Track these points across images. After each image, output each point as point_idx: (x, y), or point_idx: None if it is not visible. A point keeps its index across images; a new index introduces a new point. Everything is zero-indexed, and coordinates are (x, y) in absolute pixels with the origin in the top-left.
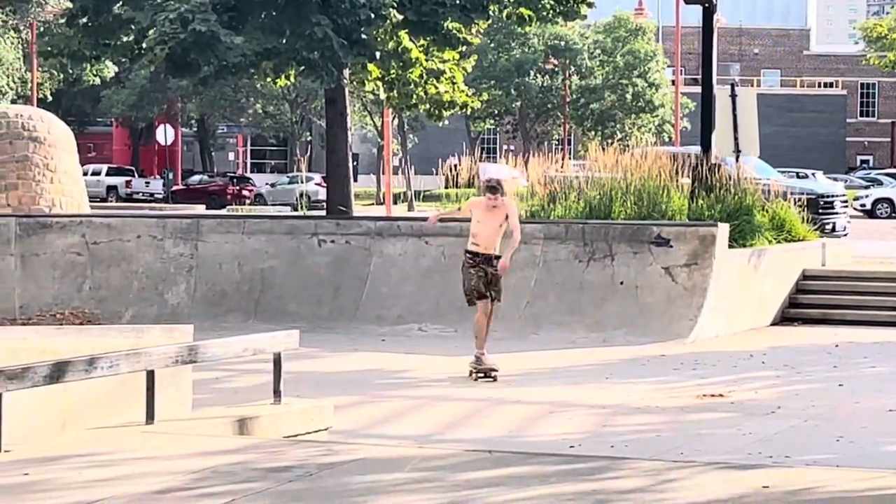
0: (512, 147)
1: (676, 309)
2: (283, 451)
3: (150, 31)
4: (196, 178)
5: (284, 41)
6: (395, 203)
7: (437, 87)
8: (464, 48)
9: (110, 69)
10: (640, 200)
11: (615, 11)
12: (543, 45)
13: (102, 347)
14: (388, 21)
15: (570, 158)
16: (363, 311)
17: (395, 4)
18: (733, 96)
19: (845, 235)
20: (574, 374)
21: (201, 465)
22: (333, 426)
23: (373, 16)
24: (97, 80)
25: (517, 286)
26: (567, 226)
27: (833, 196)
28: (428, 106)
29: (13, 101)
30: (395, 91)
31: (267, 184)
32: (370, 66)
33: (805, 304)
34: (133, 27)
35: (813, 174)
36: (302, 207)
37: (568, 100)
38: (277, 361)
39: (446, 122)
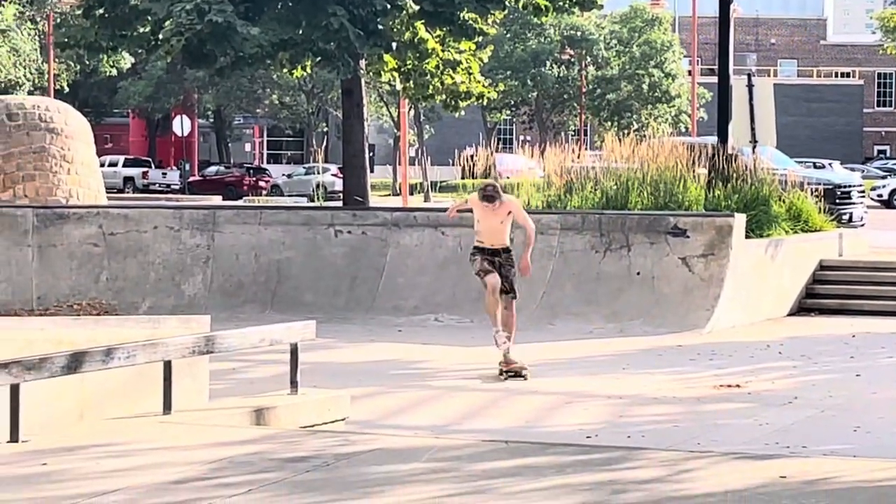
0: (528, 138)
1: (693, 299)
2: (300, 442)
3: (167, 22)
4: (213, 169)
5: (301, 32)
6: (411, 194)
7: (453, 78)
8: (480, 39)
9: (127, 60)
10: (657, 191)
11: (631, 2)
12: (559, 35)
13: (119, 338)
14: (405, 11)
15: (586, 149)
16: (379, 301)
17: None
18: (750, 86)
19: (862, 225)
20: (590, 364)
21: (218, 455)
22: (350, 416)
23: (389, 6)
24: (114, 72)
25: (534, 276)
26: (584, 216)
27: (850, 186)
28: (444, 96)
29: (30, 93)
30: (411, 82)
31: (283, 175)
32: (386, 57)
33: (822, 295)
34: (149, 18)
35: (830, 164)
36: (318, 198)
37: (584, 90)
38: (294, 352)
39: (462, 112)
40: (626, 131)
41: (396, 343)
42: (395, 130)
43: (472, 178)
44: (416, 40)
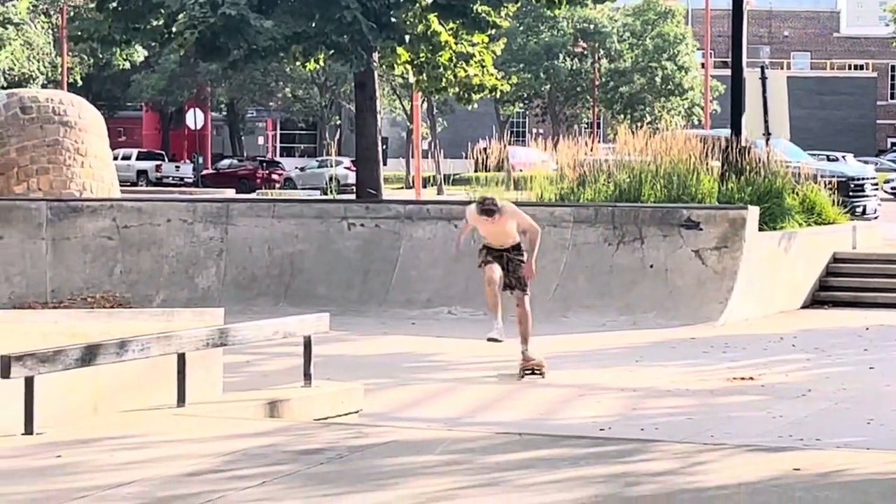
0: (541, 130)
1: (706, 292)
2: (313, 434)
3: (180, 15)
4: (226, 162)
5: (314, 25)
6: (424, 187)
7: (466, 71)
8: (493, 31)
9: (140, 53)
10: (670, 183)
11: None
12: (572, 28)
13: (133, 330)
14: (418, 4)
15: (599, 141)
16: (393, 294)
17: None
18: (763, 79)
19: (875, 218)
20: (603, 357)
21: (232, 447)
22: (363, 409)
23: None
24: (127, 65)
25: (547, 269)
26: (597, 209)
27: (863, 179)
28: (457, 89)
29: (43, 86)
30: (424, 74)
31: (296, 168)
32: (399, 50)
33: (835, 287)
34: (163, 11)
35: (843, 157)
36: (331, 191)
37: (597, 83)
38: (308, 344)
39: (475, 105)
40: (638, 124)
41: (409, 336)
42: (408, 123)
43: (486, 171)
44: (429, 33)
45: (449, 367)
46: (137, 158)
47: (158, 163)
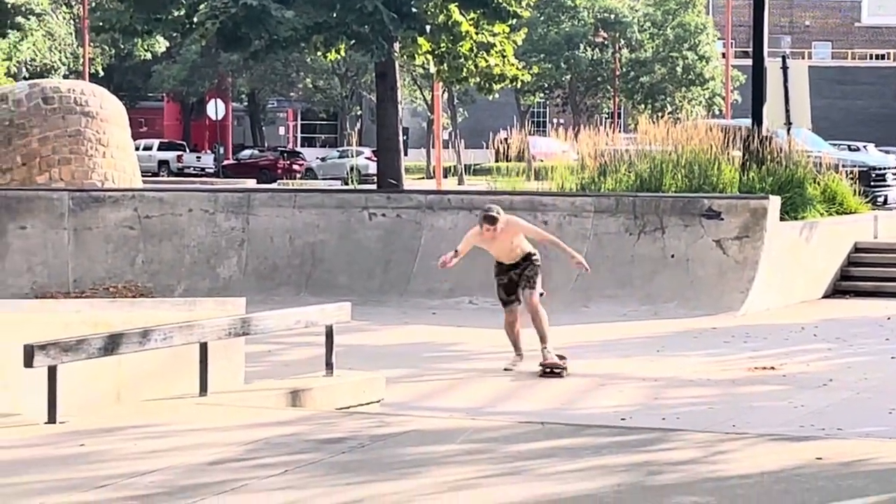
0: (562, 120)
1: (727, 282)
2: (335, 423)
3: (202, 6)
4: (247, 152)
5: (335, 15)
6: (445, 177)
7: (487, 61)
8: (514, 21)
9: (161, 44)
10: (691, 173)
11: None
12: (593, 18)
13: (155, 320)
14: None
15: (619, 131)
16: (414, 284)
17: None
18: (784, 69)
19: None
20: (625, 346)
21: (254, 436)
22: (385, 398)
23: None
24: (148, 55)
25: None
26: (618, 199)
27: (885, 168)
28: (478, 79)
29: (65, 77)
30: (445, 64)
31: (317, 158)
32: (420, 40)
33: (857, 277)
34: (184, 1)
35: (864, 147)
36: (352, 181)
37: (618, 73)
38: (329, 334)
39: (496, 95)
40: (659, 114)
41: (431, 326)
42: (429, 113)
43: (506, 161)
44: (449, 23)
45: (470, 357)
46: (159, 149)
47: (180, 153)
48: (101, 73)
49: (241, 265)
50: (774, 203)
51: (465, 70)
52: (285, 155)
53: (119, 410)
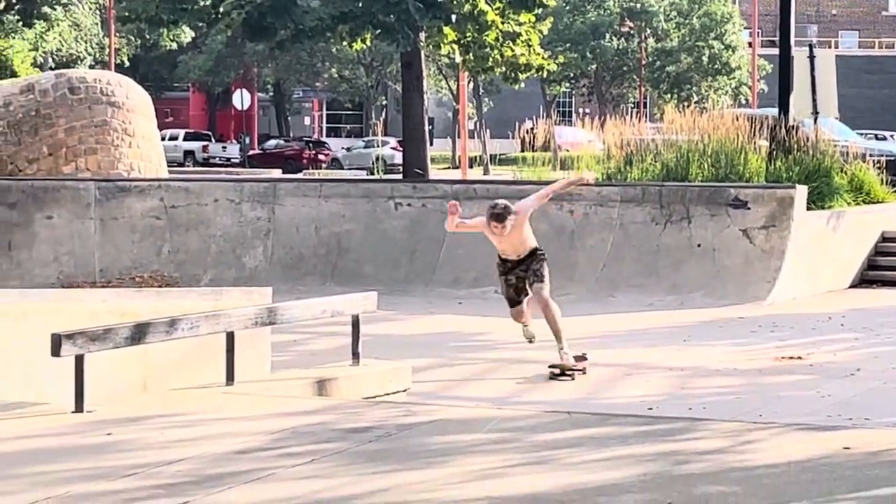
0: (587, 110)
1: (754, 271)
2: (362, 413)
3: None
4: (272, 142)
5: (360, 4)
6: (470, 167)
7: (513, 50)
8: (540, 10)
9: (187, 34)
10: (718, 162)
11: None
12: (619, 7)
13: (182, 309)
14: None
15: (645, 121)
16: (439, 273)
17: None
18: (811, 58)
19: None
20: (651, 336)
21: (281, 425)
22: (411, 388)
23: None
24: (174, 46)
25: (594, 249)
26: (644, 188)
27: None
28: (504, 69)
29: (91, 67)
30: (470, 54)
31: (343, 148)
32: (446, 29)
33: (884, 266)
34: None
35: (892, 136)
36: (378, 171)
37: (644, 62)
38: (356, 323)
39: (522, 85)
40: (685, 103)
41: (456, 315)
42: (455, 103)
43: (532, 150)
44: (475, 12)
45: (496, 347)
46: (184, 139)
47: (205, 143)
48: (127, 64)
49: (267, 255)
50: (801, 192)
51: (490, 59)
52: (311, 145)
53: (146, 400)
